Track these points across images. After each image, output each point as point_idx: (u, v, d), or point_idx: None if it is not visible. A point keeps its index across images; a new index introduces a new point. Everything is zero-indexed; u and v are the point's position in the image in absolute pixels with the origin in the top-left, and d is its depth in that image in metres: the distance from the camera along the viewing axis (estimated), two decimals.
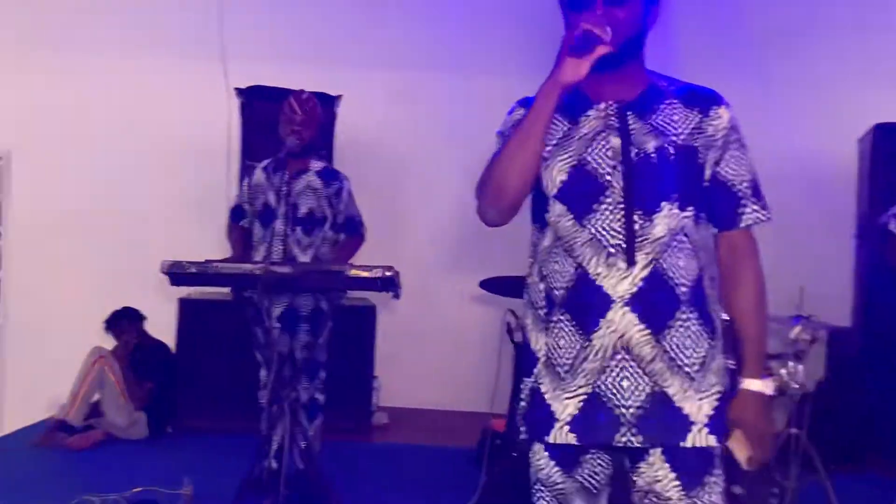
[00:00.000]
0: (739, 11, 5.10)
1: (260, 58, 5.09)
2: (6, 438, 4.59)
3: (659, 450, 1.50)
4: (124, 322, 4.52)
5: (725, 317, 1.59)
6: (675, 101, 1.56)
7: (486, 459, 3.61)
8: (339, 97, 4.89)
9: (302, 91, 3.48)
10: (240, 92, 4.93)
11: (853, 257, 5.00)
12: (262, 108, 4.70)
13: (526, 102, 1.61)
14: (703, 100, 1.57)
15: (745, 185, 1.57)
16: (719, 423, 1.50)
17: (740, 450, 1.54)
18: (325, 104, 4.85)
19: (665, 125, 1.53)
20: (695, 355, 1.49)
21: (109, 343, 4.54)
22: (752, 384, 1.54)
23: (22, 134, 5.21)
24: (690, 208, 1.52)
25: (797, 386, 3.18)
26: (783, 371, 3.18)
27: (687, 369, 1.48)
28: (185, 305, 4.63)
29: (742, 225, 1.57)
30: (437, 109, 5.25)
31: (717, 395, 1.51)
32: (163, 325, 4.71)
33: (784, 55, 5.03)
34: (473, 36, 5.19)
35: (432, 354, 5.30)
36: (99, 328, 4.54)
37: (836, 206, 5.02)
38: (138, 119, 5.19)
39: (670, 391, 1.48)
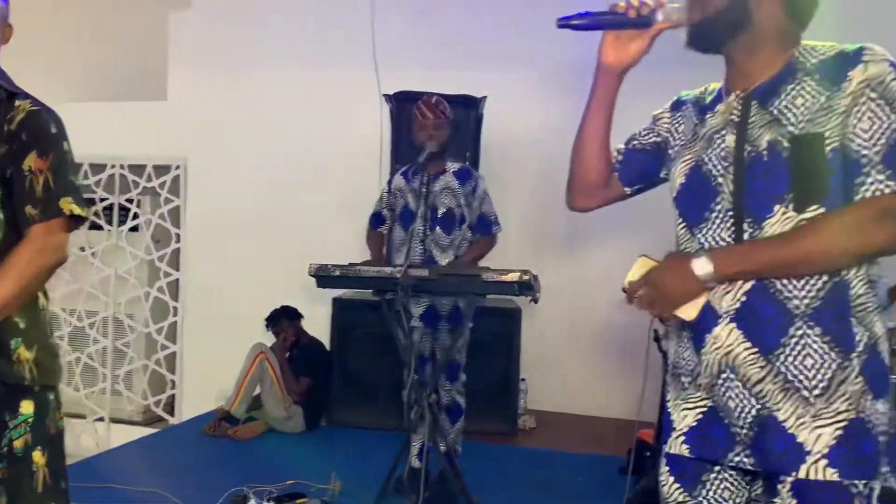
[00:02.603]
0: None
1: (410, 65, 5.20)
2: (181, 426, 5.00)
3: (787, 485, 1.32)
4: (283, 320, 4.77)
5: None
6: (806, 78, 1.33)
7: (634, 470, 3.48)
8: (483, 98, 4.89)
9: (431, 95, 3.52)
10: (388, 98, 5.06)
11: None
12: (410, 112, 4.79)
13: (677, 105, 1.55)
14: (839, 68, 1.30)
15: (874, 147, 1.26)
16: (847, 456, 1.28)
17: (634, 273, 1.42)
18: (470, 106, 4.89)
19: (785, 112, 1.33)
20: (818, 377, 1.30)
21: (270, 340, 4.81)
22: (699, 255, 1.35)
23: (197, 143, 5.65)
24: (815, 207, 1.29)
25: None
26: None
27: (805, 392, 1.30)
28: (339, 305, 4.81)
29: (856, 199, 1.27)
30: (580, 109, 5.11)
31: (844, 424, 1.29)
32: (320, 324, 4.94)
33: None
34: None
35: (581, 359, 5.18)
36: (263, 326, 4.83)
37: None
38: (300, 127, 5.47)
39: (780, 415, 1.31)
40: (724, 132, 1.40)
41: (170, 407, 5.73)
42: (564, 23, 1.39)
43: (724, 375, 1.36)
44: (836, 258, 1.28)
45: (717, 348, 1.37)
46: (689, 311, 1.37)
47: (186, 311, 5.72)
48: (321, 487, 3.47)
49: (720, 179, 1.38)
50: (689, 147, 1.46)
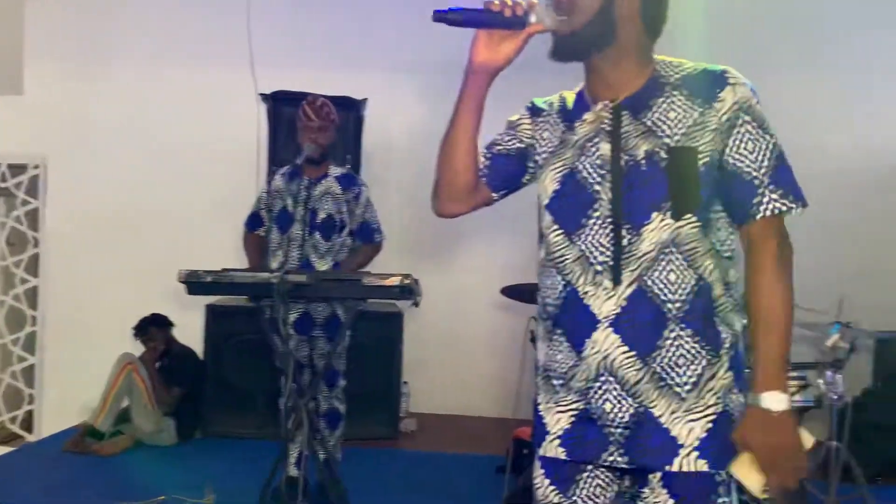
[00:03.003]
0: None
1: (288, 64, 5.09)
2: (41, 443, 4.68)
3: (658, 476, 1.39)
4: (152, 328, 4.56)
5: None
6: (675, 93, 1.40)
7: (512, 468, 3.55)
8: (364, 101, 4.86)
9: (316, 97, 3.46)
10: (265, 97, 4.93)
11: None
12: (288, 113, 4.70)
13: (533, 110, 1.56)
14: (709, 86, 1.38)
15: (762, 170, 1.36)
16: (714, 447, 1.36)
17: (748, 475, 1.32)
18: (351, 108, 4.85)
19: (660, 125, 1.39)
20: (687, 374, 1.37)
21: (139, 349, 4.57)
22: (757, 398, 1.34)
23: (58, 141, 5.29)
24: (690, 217, 1.37)
25: (836, 396, 3.03)
26: (820, 381, 3.03)
27: (677, 389, 1.37)
28: (213, 311, 4.64)
29: (758, 217, 1.37)
30: None
31: (713, 417, 1.37)
32: (192, 331, 4.74)
33: (837, 50, 4.84)
34: None
35: (461, 360, 5.24)
36: (131, 334, 4.59)
37: (888, 207, 4.81)
38: (171, 126, 5.24)
39: (656, 412, 1.37)
40: (597, 140, 1.43)
41: (27, 423, 5.33)
42: (440, 16, 1.37)
43: (601, 379, 1.39)
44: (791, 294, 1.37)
45: (595, 353, 1.39)
46: (807, 441, 1.35)
47: (46, 320, 5.34)
48: (195, 501, 3.33)
49: (597, 187, 1.41)
50: (559, 154, 1.47)
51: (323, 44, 5.23)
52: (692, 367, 1.37)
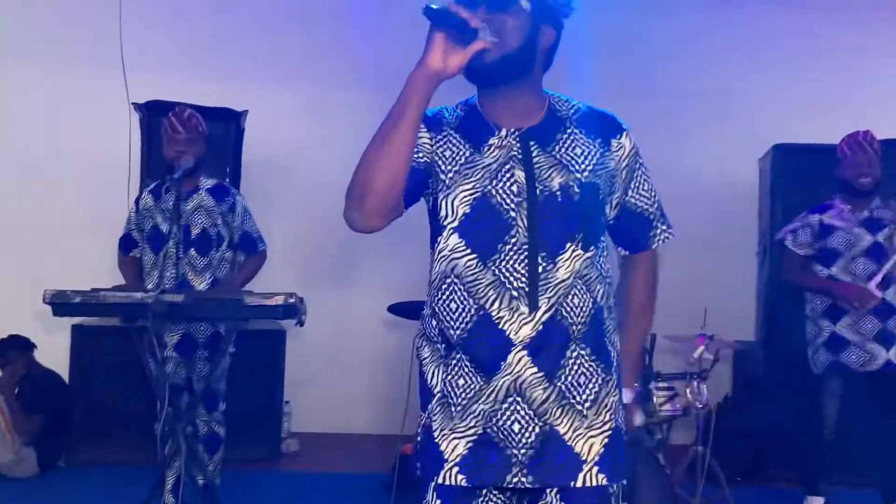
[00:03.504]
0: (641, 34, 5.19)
1: (164, 72, 4.91)
2: None
3: (554, 490, 1.45)
4: (12, 351, 4.24)
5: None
6: (576, 129, 1.51)
7: (399, 485, 3.54)
8: (244, 112, 4.75)
9: (183, 108, 3.36)
10: (138, 107, 4.72)
11: (756, 274, 5.15)
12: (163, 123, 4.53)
13: (435, 122, 1.53)
14: (603, 129, 1.53)
15: (654, 206, 1.60)
16: (611, 462, 1.46)
17: None
18: (231, 120, 4.73)
19: (569, 160, 1.48)
20: (587, 391, 1.46)
21: None
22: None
23: None
24: (592, 247, 1.48)
25: (700, 405, 3.23)
26: (687, 391, 3.22)
27: (578, 406, 1.45)
28: (79, 333, 4.38)
29: (654, 246, 1.62)
30: (353, 127, 5.17)
31: (609, 433, 1.47)
32: (57, 353, 4.45)
33: (684, 77, 5.16)
34: (388, 51, 5.14)
35: (347, 378, 5.18)
36: None
37: (741, 223, 5.17)
38: (35, 135, 4.94)
39: (561, 429, 1.45)
40: (509, 167, 1.46)
41: None
42: (430, 11, 1.40)
43: (510, 400, 1.44)
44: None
45: (507, 375, 1.43)
46: (637, 419, 1.66)
47: None
48: None
49: (513, 214, 1.45)
50: (467, 176, 1.47)
51: (202, 52, 5.07)
52: (591, 384, 1.46)
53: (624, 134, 1.55)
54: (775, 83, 5.20)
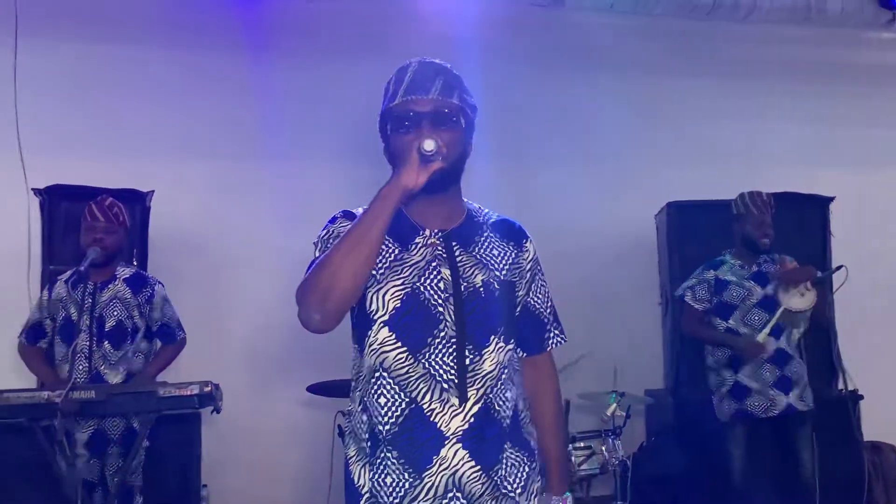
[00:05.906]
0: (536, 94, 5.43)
1: (64, 154, 4.79)
2: None
3: None
4: None
5: None
6: (491, 234, 1.64)
7: None
8: (150, 193, 4.68)
9: (104, 197, 3.32)
10: (38, 192, 4.58)
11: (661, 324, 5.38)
12: (66, 208, 4.41)
13: (349, 215, 1.61)
14: (514, 234, 1.69)
15: (548, 311, 1.72)
16: None
17: None
18: (137, 201, 4.64)
19: (488, 259, 1.60)
20: (517, 479, 1.54)
21: None
22: (557, 501, 1.64)
23: None
24: (512, 341, 1.60)
25: (617, 461, 3.34)
26: (603, 448, 3.34)
27: (511, 494, 1.54)
28: None
29: (548, 349, 1.71)
30: (262, 201, 5.16)
31: None
32: None
33: (581, 139, 5.42)
34: (295, 125, 5.19)
35: (268, 456, 5.05)
36: None
37: (643, 277, 5.40)
38: None
39: None
40: (436, 265, 1.57)
41: None
42: (427, 158, 1.51)
43: (450, 495, 1.49)
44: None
45: (444, 469, 1.48)
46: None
47: None
48: None
49: (440, 309, 1.53)
50: (397, 272, 1.56)
51: (102, 132, 4.97)
52: (520, 473, 1.54)
53: (529, 240, 1.70)
54: (666, 143, 5.54)
